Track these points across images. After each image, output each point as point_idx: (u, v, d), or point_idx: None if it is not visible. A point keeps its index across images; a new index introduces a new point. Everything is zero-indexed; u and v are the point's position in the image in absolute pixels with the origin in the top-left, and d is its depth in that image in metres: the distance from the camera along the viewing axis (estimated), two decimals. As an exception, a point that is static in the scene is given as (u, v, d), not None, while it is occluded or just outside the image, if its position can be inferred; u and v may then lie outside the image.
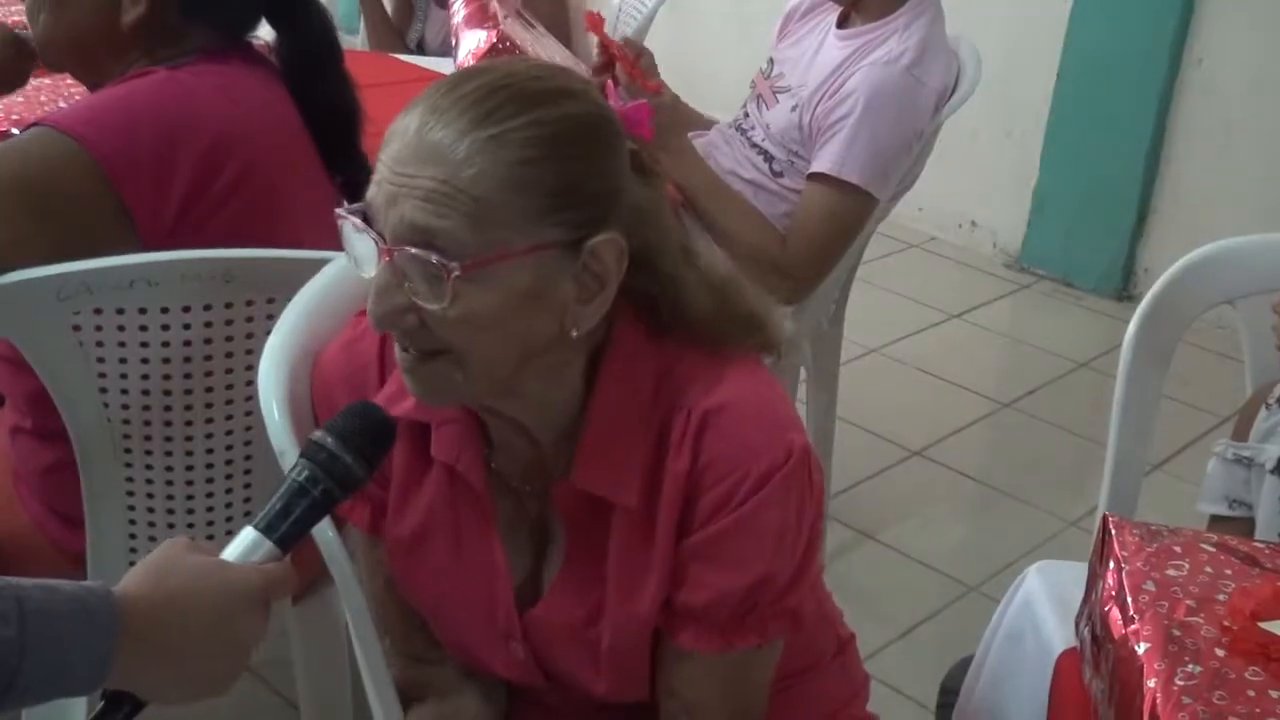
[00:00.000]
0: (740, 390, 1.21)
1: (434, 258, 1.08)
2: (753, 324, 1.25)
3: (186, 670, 1.01)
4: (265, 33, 1.78)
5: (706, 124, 2.70)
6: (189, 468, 1.65)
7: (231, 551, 1.07)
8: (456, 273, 1.08)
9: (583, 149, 1.13)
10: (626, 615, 1.25)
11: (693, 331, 1.22)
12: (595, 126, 1.15)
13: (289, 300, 1.44)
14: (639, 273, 1.18)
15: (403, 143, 1.11)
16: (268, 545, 1.07)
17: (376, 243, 1.11)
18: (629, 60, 2.36)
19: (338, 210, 1.15)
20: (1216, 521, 1.65)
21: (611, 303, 1.17)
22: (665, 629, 1.26)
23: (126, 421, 1.59)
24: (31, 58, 1.84)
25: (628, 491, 1.21)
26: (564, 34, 2.86)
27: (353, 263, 1.16)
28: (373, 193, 1.12)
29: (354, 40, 4.42)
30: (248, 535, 1.07)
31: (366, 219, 1.13)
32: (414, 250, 1.09)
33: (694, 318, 1.22)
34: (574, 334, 1.16)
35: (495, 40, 2.39)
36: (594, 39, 2.58)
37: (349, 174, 1.76)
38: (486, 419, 1.26)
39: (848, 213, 2.43)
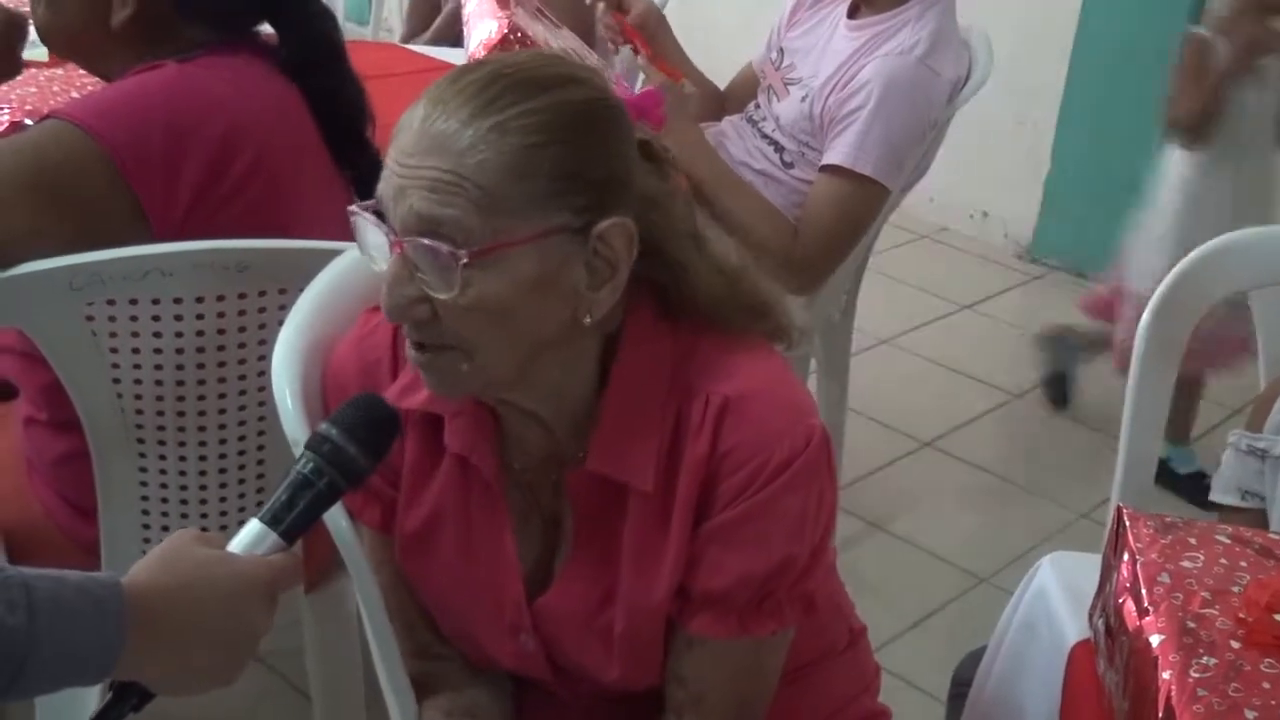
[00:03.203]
0: (758, 376, 1.22)
1: (443, 247, 1.09)
2: (763, 311, 1.26)
3: (193, 661, 1.01)
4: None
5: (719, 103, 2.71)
6: (202, 458, 1.65)
7: (237, 544, 1.07)
8: (465, 260, 1.09)
9: (585, 134, 1.14)
10: (641, 599, 1.25)
11: (704, 317, 1.23)
12: (597, 112, 1.15)
13: (301, 291, 1.45)
14: (649, 259, 1.18)
15: (408, 136, 1.12)
16: (273, 537, 1.07)
17: (387, 235, 1.13)
18: (651, 48, 2.36)
19: (350, 207, 1.16)
20: (1228, 512, 1.64)
21: (624, 289, 1.17)
22: (678, 615, 1.26)
23: (140, 412, 1.59)
24: (23, 39, 1.82)
25: (644, 475, 1.21)
26: (586, 29, 2.82)
27: (366, 256, 1.17)
28: (382, 187, 1.14)
29: (364, 31, 4.42)
30: (253, 528, 1.08)
31: (379, 215, 1.14)
32: (423, 240, 1.10)
33: (704, 304, 1.22)
34: (587, 321, 1.16)
35: (506, 31, 2.38)
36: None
37: (359, 168, 1.76)
38: (501, 411, 1.26)
39: (860, 204, 2.42)
